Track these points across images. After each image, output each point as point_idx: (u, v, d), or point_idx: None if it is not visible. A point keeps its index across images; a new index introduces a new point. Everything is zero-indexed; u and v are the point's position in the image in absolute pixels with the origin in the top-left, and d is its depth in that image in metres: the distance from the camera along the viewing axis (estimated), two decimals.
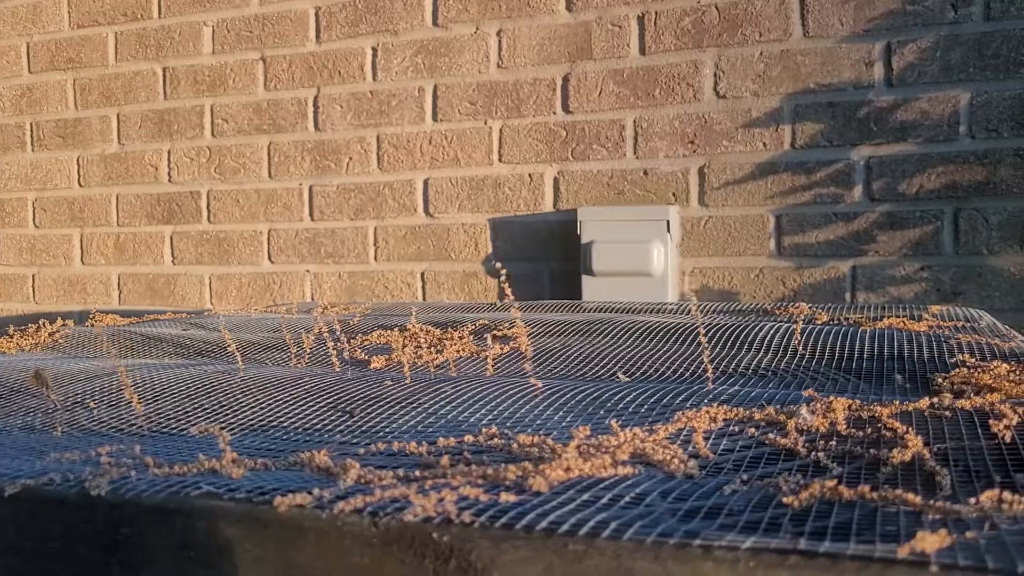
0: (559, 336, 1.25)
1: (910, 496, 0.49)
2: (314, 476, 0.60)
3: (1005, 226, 1.78)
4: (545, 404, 0.81)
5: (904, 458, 0.61)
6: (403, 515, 0.49)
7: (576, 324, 1.33)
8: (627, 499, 0.52)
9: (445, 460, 0.61)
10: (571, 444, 0.66)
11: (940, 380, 0.88)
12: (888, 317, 1.31)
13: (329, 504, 0.51)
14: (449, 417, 0.78)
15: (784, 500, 0.51)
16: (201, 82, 2.56)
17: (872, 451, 0.64)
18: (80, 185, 2.73)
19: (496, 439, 0.70)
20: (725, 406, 0.75)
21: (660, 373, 1.01)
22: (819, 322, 1.33)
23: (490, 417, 0.78)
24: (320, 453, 0.64)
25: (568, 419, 0.77)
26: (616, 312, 1.57)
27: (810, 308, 1.51)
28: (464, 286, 2.24)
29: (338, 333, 1.30)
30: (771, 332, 1.19)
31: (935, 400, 0.74)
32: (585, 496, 0.53)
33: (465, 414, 0.79)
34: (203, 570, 0.53)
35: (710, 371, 0.92)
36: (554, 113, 2.13)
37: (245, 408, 0.84)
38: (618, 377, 0.99)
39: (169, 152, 2.62)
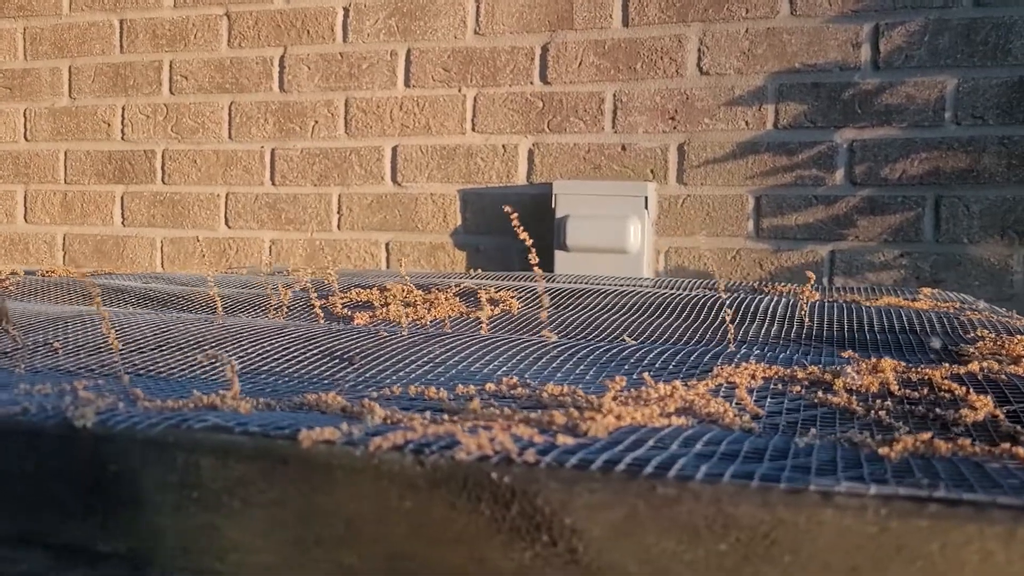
0: (549, 305, 1.19)
1: (1019, 450, 0.44)
2: (332, 415, 0.52)
3: (986, 215, 1.77)
4: (561, 359, 0.75)
5: (977, 418, 0.56)
6: (453, 453, 0.42)
7: (564, 292, 1.27)
8: (698, 448, 0.46)
9: (475, 404, 0.54)
10: (607, 395, 0.59)
11: (970, 350, 0.84)
12: (884, 296, 1.28)
13: (361, 440, 0.44)
14: (459, 367, 0.71)
15: (881, 452, 0.45)
16: (161, 36, 2.44)
17: (937, 411, 0.59)
18: (26, 139, 2.58)
19: (520, 388, 0.63)
20: (763, 364, 0.69)
21: (666, 339, 0.96)
22: (814, 299, 1.29)
23: (504, 369, 0.71)
24: (331, 395, 0.57)
25: (590, 373, 0.70)
26: (590, 284, 1.51)
27: (798, 287, 1.47)
28: (431, 258, 2.16)
29: (315, 291, 1.22)
30: (773, 304, 1.15)
31: (984, 365, 0.70)
32: (650, 444, 0.47)
33: (476, 365, 0.72)
34: (207, 513, 0.45)
35: (732, 332, 0.86)
36: (531, 83, 2.07)
37: (230, 354, 0.76)
38: (624, 340, 0.94)
39: (123, 108, 2.49)
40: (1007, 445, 0.45)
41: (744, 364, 0.68)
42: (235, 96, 2.37)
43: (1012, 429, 0.54)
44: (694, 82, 1.93)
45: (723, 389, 0.65)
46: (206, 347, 0.78)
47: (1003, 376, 0.68)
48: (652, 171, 1.97)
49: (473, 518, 0.41)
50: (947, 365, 0.70)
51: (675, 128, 1.95)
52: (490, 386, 0.63)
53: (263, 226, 2.34)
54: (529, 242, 0.83)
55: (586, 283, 1.37)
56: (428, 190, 2.16)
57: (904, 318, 1.06)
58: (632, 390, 0.62)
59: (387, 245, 2.20)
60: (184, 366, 0.72)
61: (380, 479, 0.42)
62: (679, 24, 1.94)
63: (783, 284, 1.51)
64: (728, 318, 0.89)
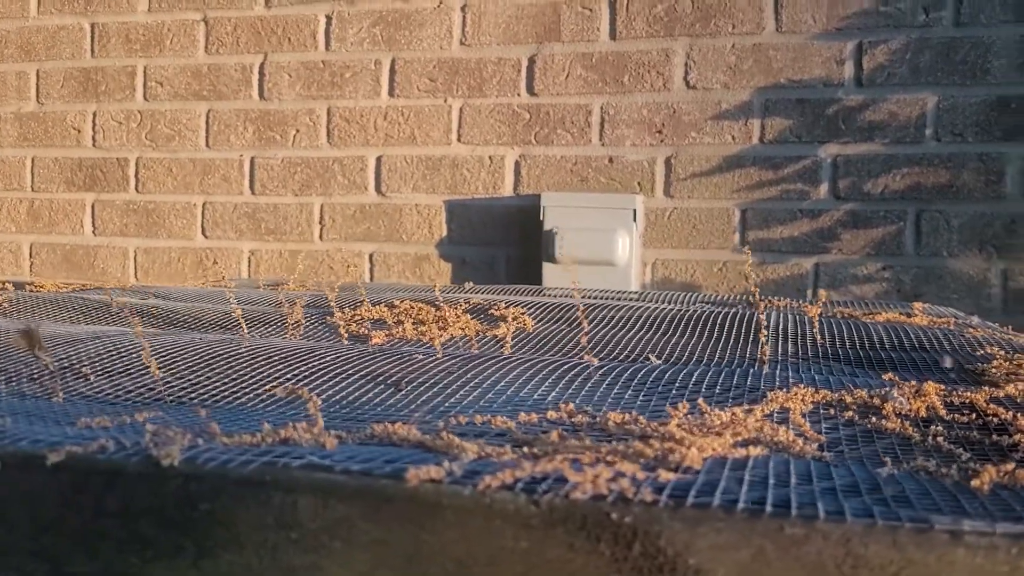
0: (558, 322, 1.19)
1: None
2: (414, 449, 0.52)
3: (966, 229, 1.81)
4: (603, 382, 0.75)
5: None
6: (567, 492, 0.42)
7: (571, 308, 1.27)
8: (794, 482, 0.47)
9: (555, 435, 0.54)
10: (671, 423, 0.60)
11: (990, 369, 0.86)
12: (882, 312, 1.31)
13: (468, 479, 0.44)
14: (509, 393, 0.71)
15: (973, 484, 0.46)
16: (134, 41, 2.39)
17: (994, 437, 0.60)
18: None
19: (580, 416, 0.63)
20: (810, 388, 0.70)
21: (690, 358, 0.97)
22: (812, 315, 1.32)
23: (554, 394, 0.71)
24: (399, 426, 0.56)
25: (640, 398, 0.71)
26: (595, 299, 1.52)
27: (795, 302, 1.49)
28: (415, 269, 2.16)
29: (319, 307, 1.21)
30: (781, 321, 1.16)
31: (1022, 388, 0.72)
32: (747, 478, 0.47)
33: (526, 390, 0.72)
34: (307, 554, 0.45)
35: (766, 355, 0.88)
36: (518, 95, 2.07)
37: (267, 379, 0.75)
38: (649, 359, 0.94)
39: (95, 114, 2.44)
40: None
41: (794, 389, 0.69)
42: (213, 103, 2.33)
43: None
44: (681, 96, 1.95)
45: (777, 414, 0.66)
46: (240, 370, 0.77)
47: None
48: (639, 184, 1.99)
49: (592, 559, 0.41)
50: (987, 388, 0.71)
51: (662, 141, 1.97)
52: (551, 414, 0.63)
53: (242, 236, 2.31)
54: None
55: (593, 298, 1.38)
56: (413, 201, 2.15)
57: (912, 335, 1.08)
58: (693, 416, 0.62)
59: (371, 256, 2.19)
60: (229, 392, 0.71)
61: (493, 519, 0.42)
62: (666, 38, 1.96)
63: (776, 298, 1.54)
64: (763, 338, 0.90)
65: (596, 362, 0.78)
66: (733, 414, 0.62)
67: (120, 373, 0.76)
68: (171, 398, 0.69)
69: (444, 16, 2.12)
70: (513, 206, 2.07)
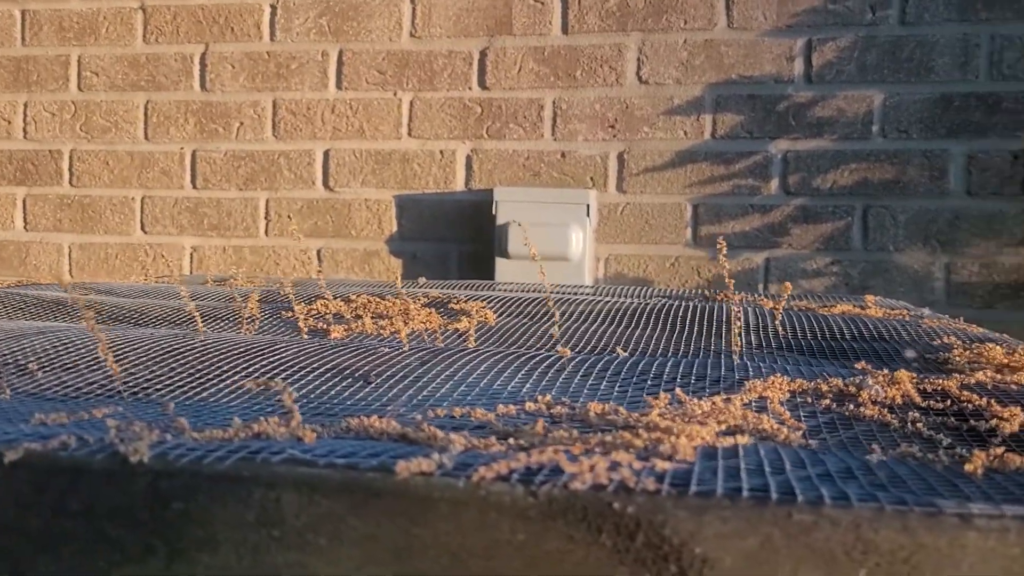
0: (519, 316, 1.18)
1: None
2: (395, 442, 0.50)
3: (911, 224, 1.85)
4: (575, 374, 0.74)
5: (1012, 429, 0.58)
6: (567, 483, 0.40)
7: (530, 303, 1.26)
8: (790, 469, 0.46)
9: (540, 426, 0.53)
10: (652, 413, 0.59)
11: (954, 358, 0.87)
12: (838, 304, 1.32)
13: (461, 471, 0.42)
14: (483, 385, 0.69)
15: (966, 469, 0.46)
16: (68, 29, 2.31)
17: (971, 422, 0.60)
18: None
19: (559, 407, 0.62)
20: (786, 377, 0.70)
21: (652, 351, 0.96)
22: (768, 307, 1.32)
23: (528, 386, 0.70)
24: (375, 419, 0.54)
25: (615, 389, 0.70)
26: (553, 294, 1.51)
27: (750, 295, 1.50)
28: (365, 265, 2.12)
29: (277, 303, 1.18)
30: (742, 314, 1.16)
31: (997, 375, 0.72)
32: (742, 466, 0.46)
33: (499, 382, 0.70)
34: (291, 552, 0.42)
35: (738, 345, 0.87)
36: (470, 88, 2.05)
37: (227, 373, 0.72)
38: (616, 352, 0.93)
39: (26, 105, 2.35)
40: None
41: (771, 378, 0.69)
42: (151, 94, 2.27)
43: None
44: (633, 91, 1.96)
45: (756, 403, 0.65)
46: (198, 364, 0.74)
47: (1013, 386, 0.70)
48: (592, 179, 1.98)
49: (593, 550, 0.39)
50: (958, 376, 0.72)
51: (615, 136, 1.97)
52: (530, 405, 0.62)
53: (183, 232, 2.25)
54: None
55: (552, 293, 1.37)
56: (362, 196, 2.11)
57: (871, 326, 1.09)
58: (673, 406, 0.61)
59: (319, 252, 2.15)
60: (189, 387, 0.68)
61: (488, 511, 0.40)
62: (618, 33, 1.96)
63: (732, 292, 1.54)
64: (735, 329, 0.90)
65: (569, 354, 0.77)
66: (713, 403, 0.61)
67: (69, 369, 0.73)
68: (128, 394, 0.66)
69: (393, 7, 2.09)
70: (465, 201, 2.05)
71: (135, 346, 0.79)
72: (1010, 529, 0.36)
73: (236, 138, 2.20)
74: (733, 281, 1.84)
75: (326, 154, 2.14)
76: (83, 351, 0.77)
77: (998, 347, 0.90)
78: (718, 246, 0.80)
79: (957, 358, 0.88)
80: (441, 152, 2.07)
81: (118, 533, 0.44)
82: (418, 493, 0.41)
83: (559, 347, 0.78)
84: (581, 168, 1.99)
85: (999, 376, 0.73)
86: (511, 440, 0.51)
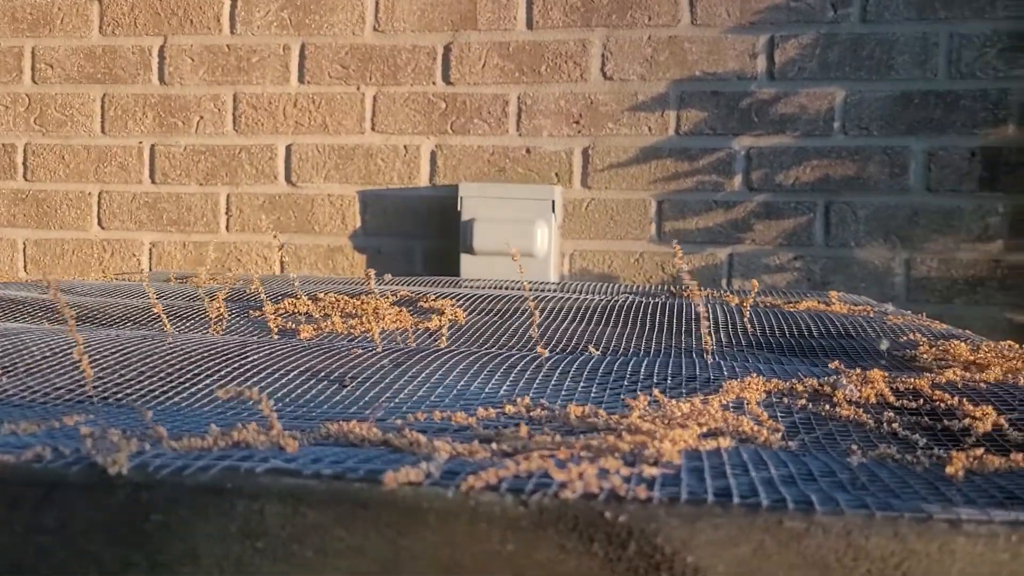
0: (489, 314, 1.17)
1: None
2: (379, 450, 0.49)
3: (872, 220, 1.87)
4: (552, 375, 0.74)
5: (986, 428, 0.59)
6: (560, 492, 0.40)
7: (499, 301, 1.25)
8: (775, 473, 0.46)
9: (523, 430, 0.52)
10: (633, 415, 0.59)
11: (922, 355, 0.88)
12: (803, 301, 1.33)
13: (446, 480, 0.42)
14: (459, 387, 0.69)
15: (948, 471, 0.46)
16: (21, 20, 2.25)
17: (944, 422, 0.61)
18: None
19: (539, 410, 0.62)
20: (761, 377, 0.70)
21: (624, 349, 0.96)
22: (733, 303, 1.33)
23: (506, 387, 0.69)
24: (356, 424, 0.53)
25: (595, 389, 0.70)
26: (519, 291, 1.51)
27: (716, 291, 1.51)
28: (328, 261, 2.10)
29: (243, 301, 1.16)
30: (710, 311, 1.17)
31: (965, 373, 0.73)
32: (727, 470, 0.46)
33: (476, 384, 0.70)
34: (275, 564, 0.41)
35: (709, 345, 0.88)
36: (434, 83, 2.04)
37: (198, 376, 0.71)
38: (588, 351, 0.93)
39: None
40: None
41: (747, 378, 0.69)
42: (109, 87, 2.22)
43: (1022, 438, 0.57)
44: (598, 87, 1.96)
45: (734, 405, 0.65)
46: (168, 368, 0.72)
47: (981, 384, 0.71)
48: (557, 174, 1.98)
49: (585, 560, 0.39)
50: (928, 375, 0.73)
51: (580, 132, 1.97)
52: (509, 408, 0.61)
53: (142, 227, 2.21)
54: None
55: (519, 290, 1.36)
56: (325, 191, 2.09)
57: (838, 323, 1.10)
58: (652, 408, 0.61)
59: (281, 248, 2.12)
60: (160, 391, 0.66)
61: (478, 521, 0.40)
62: (583, 29, 1.96)
63: (696, 288, 1.55)
64: (705, 328, 0.90)
65: (547, 353, 0.77)
66: (692, 404, 0.61)
67: (32, 373, 0.71)
68: (96, 399, 0.64)
69: (356, 1, 2.07)
70: (430, 197, 2.04)
71: (100, 348, 0.77)
72: (999, 534, 0.36)
73: (196, 132, 2.16)
74: (692, 278, 1.86)
75: (288, 149, 2.11)
76: (48, 354, 0.75)
77: (963, 344, 0.92)
78: (674, 249, 0.80)
79: (924, 355, 0.89)
80: (405, 147, 2.05)
81: (96, 549, 0.43)
82: (406, 503, 0.41)
83: (539, 347, 0.78)
84: (546, 164, 1.99)
85: (967, 374, 0.75)
86: (494, 445, 0.50)
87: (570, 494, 0.40)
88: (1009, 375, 0.75)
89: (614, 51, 1.95)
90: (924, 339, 1.00)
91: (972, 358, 0.85)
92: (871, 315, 1.20)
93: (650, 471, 0.44)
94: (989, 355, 0.86)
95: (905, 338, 1.02)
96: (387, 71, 2.05)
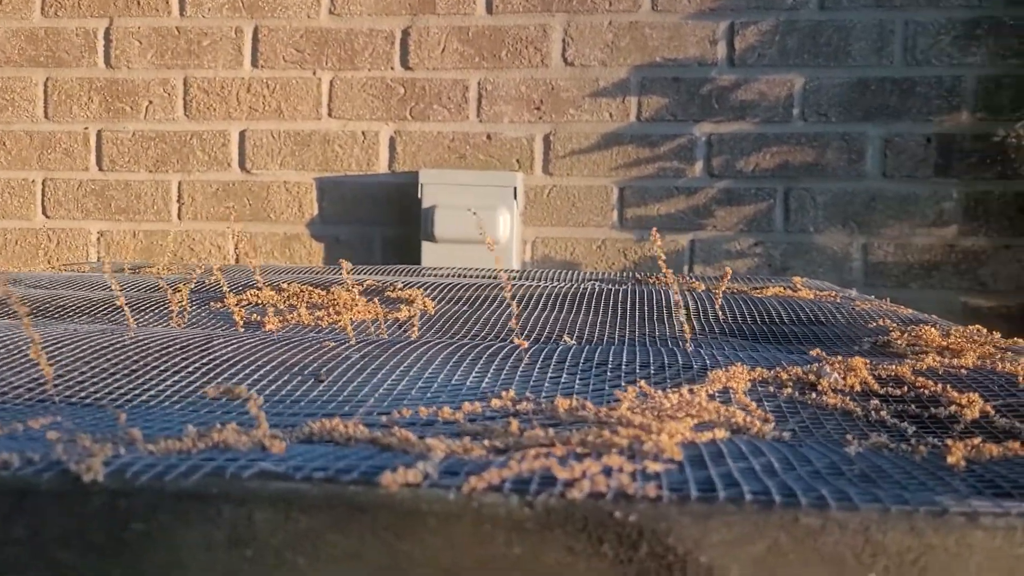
0: (459, 303, 1.15)
1: None
2: (368, 449, 0.47)
3: (830, 206, 1.89)
4: (533, 366, 0.72)
5: (973, 415, 0.59)
6: (566, 491, 0.38)
7: (467, 289, 1.23)
8: (777, 466, 0.45)
9: (514, 426, 0.51)
10: (622, 407, 0.57)
11: (896, 341, 0.88)
12: (769, 287, 1.33)
13: (446, 481, 0.40)
14: (440, 380, 0.67)
15: (950, 461, 0.46)
16: None
17: (932, 409, 0.61)
18: None
19: (525, 403, 0.60)
20: (745, 366, 0.70)
21: (599, 337, 0.95)
22: (701, 290, 1.33)
23: (487, 379, 0.68)
24: (339, 421, 0.51)
25: (578, 380, 0.68)
26: (488, 279, 1.49)
27: (681, 277, 1.51)
28: (285, 249, 2.06)
29: (203, 292, 1.12)
30: (681, 299, 1.17)
31: (944, 359, 0.74)
32: (730, 464, 0.45)
33: (456, 376, 0.68)
34: (267, 573, 0.39)
35: (688, 333, 0.87)
36: (392, 68, 2.00)
37: (167, 372, 0.68)
38: (564, 340, 0.92)
39: None
40: None
41: (732, 367, 0.68)
42: (52, 71, 2.14)
43: (1010, 425, 0.57)
44: (559, 73, 1.94)
45: (721, 395, 0.64)
46: (132, 364, 0.69)
47: (962, 371, 0.71)
48: (518, 161, 1.96)
49: (594, 562, 0.38)
50: (909, 362, 0.73)
51: (541, 118, 1.95)
52: (495, 402, 0.60)
53: (89, 216, 2.14)
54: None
55: (487, 278, 1.34)
56: (281, 178, 2.05)
57: (808, 310, 1.10)
58: (641, 400, 0.60)
59: (236, 236, 2.07)
60: (127, 389, 0.63)
61: (482, 524, 0.38)
62: (543, 14, 1.94)
63: (663, 275, 1.55)
64: (682, 316, 0.89)
65: (526, 345, 0.75)
66: (680, 395, 0.60)
67: None
68: (59, 399, 0.61)
69: None
70: (389, 183, 2.00)
71: (58, 344, 0.74)
72: (1016, 527, 0.36)
73: (145, 118, 2.10)
74: (664, 263, 1.85)
75: (242, 135, 2.06)
76: (1, 351, 0.72)
77: (933, 329, 0.92)
78: (652, 238, 0.79)
79: (898, 341, 0.89)
80: (363, 133, 2.01)
81: (70, 559, 0.40)
82: (405, 506, 0.39)
83: (516, 339, 0.76)
84: (507, 150, 1.97)
85: (946, 360, 0.75)
86: (487, 442, 0.49)
87: (577, 494, 0.38)
88: (986, 360, 0.75)
89: (575, 36, 1.93)
90: (893, 324, 1.00)
91: (944, 343, 0.85)
92: (838, 300, 1.20)
93: (654, 467, 0.43)
94: (960, 340, 0.86)
95: (873, 324, 1.02)
96: (344, 55, 2.01)
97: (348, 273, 0.82)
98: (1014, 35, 1.83)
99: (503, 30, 1.96)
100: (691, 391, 0.63)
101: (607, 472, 0.41)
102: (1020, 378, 0.67)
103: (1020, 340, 0.90)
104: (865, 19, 1.86)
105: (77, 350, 0.72)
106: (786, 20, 1.88)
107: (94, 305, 1.03)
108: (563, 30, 1.94)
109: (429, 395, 0.63)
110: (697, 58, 1.90)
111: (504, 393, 0.61)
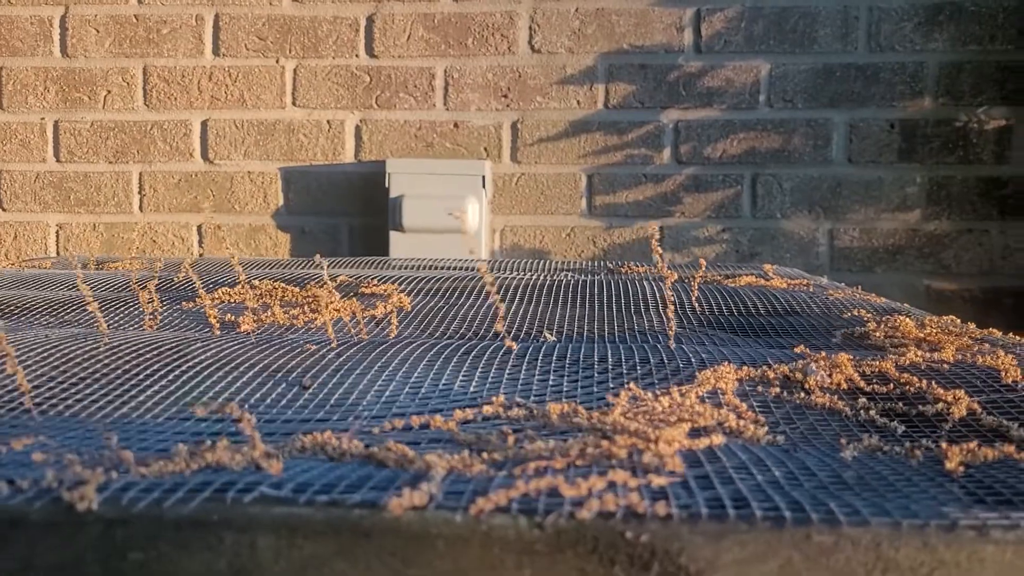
0: (434, 297, 1.14)
1: None
2: (364, 465, 0.46)
3: (796, 192, 1.90)
4: (519, 367, 0.72)
5: (960, 412, 0.59)
6: (576, 511, 0.38)
7: (441, 282, 1.22)
8: (779, 475, 0.45)
9: (510, 437, 0.50)
10: (615, 412, 0.57)
11: (874, 333, 0.89)
12: (742, 276, 1.34)
13: (452, 502, 0.39)
14: (425, 385, 0.66)
15: (948, 467, 0.46)
16: None
17: (920, 407, 0.61)
18: None
19: (516, 409, 0.59)
20: (732, 365, 0.70)
21: (578, 332, 0.95)
22: (673, 280, 1.33)
23: (475, 383, 0.67)
24: (331, 435, 0.50)
25: (567, 382, 0.68)
26: (459, 270, 1.48)
27: (651, 267, 1.51)
28: (250, 241, 2.03)
29: (172, 290, 1.10)
30: (656, 290, 1.17)
31: (925, 354, 0.74)
32: (733, 475, 0.45)
33: (444, 380, 0.67)
34: None
35: (672, 329, 0.87)
36: (357, 56, 1.97)
37: (144, 380, 0.66)
38: (545, 336, 0.91)
39: None
40: None
41: (720, 367, 0.68)
42: (5, 60, 2.08)
43: (997, 423, 0.58)
44: (526, 60, 1.93)
45: (710, 396, 0.64)
46: (108, 371, 0.68)
47: (944, 366, 0.72)
48: (486, 149, 1.95)
49: None
50: (891, 357, 0.73)
51: (508, 106, 1.94)
52: (487, 408, 0.59)
53: (47, 209, 2.09)
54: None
55: (455, 269, 1.33)
56: (245, 168, 2.01)
57: (783, 300, 1.11)
58: (632, 403, 0.60)
59: (199, 228, 2.04)
60: (104, 400, 0.61)
61: (491, 546, 0.38)
62: (510, 0, 1.92)
63: (633, 264, 1.55)
64: (670, 311, 0.89)
65: (515, 347, 0.74)
66: (671, 398, 0.60)
67: None
68: (36, 413, 0.59)
69: None
70: (355, 173, 1.98)
71: (24, 351, 0.71)
72: None
73: (104, 107, 2.05)
74: (624, 254, 1.86)
75: (204, 124, 2.02)
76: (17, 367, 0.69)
77: (908, 319, 0.93)
78: (650, 234, 0.79)
79: (876, 333, 0.90)
80: (329, 122, 1.99)
81: None
82: (412, 530, 0.38)
83: (507, 341, 0.75)
84: (475, 138, 1.95)
85: (927, 355, 0.75)
86: (484, 455, 0.48)
87: (586, 513, 0.38)
88: (967, 354, 0.76)
89: (541, 23, 1.92)
90: (868, 314, 1.01)
91: (922, 335, 0.86)
92: (811, 289, 1.21)
93: (659, 481, 0.42)
94: (937, 332, 0.87)
95: (848, 314, 1.03)
96: (307, 43, 1.98)
97: (326, 269, 0.80)
98: (975, 21, 1.85)
99: (469, 17, 1.94)
100: (681, 393, 0.63)
101: (613, 489, 0.41)
102: (1002, 373, 0.68)
103: (993, 330, 0.91)
104: (830, 5, 1.87)
105: (50, 358, 0.70)
106: (752, 6, 1.88)
107: (63, 306, 1.00)
108: (529, 17, 1.92)
109: (418, 400, 0.63)
110: (664, 45, 1.90)
111: (495, 398, 0.61)
